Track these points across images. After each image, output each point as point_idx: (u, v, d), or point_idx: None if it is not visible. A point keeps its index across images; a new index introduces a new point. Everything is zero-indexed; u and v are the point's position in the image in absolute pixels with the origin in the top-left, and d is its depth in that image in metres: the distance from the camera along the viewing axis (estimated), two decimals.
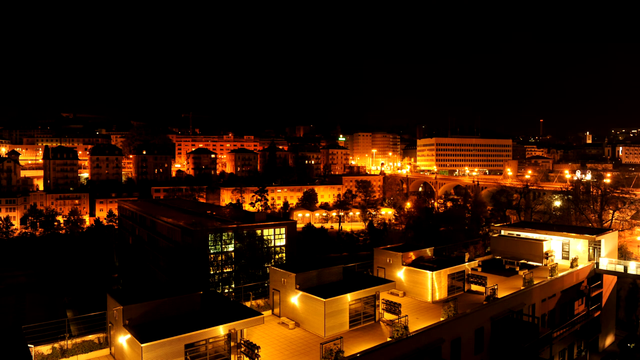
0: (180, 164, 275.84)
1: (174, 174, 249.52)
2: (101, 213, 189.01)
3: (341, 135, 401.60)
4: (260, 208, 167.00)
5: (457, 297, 51.03)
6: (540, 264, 63.62)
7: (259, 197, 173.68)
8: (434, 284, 50.96)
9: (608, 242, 68.47)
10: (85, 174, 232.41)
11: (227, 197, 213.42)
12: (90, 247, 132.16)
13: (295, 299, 42.42)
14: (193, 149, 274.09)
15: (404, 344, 39.45)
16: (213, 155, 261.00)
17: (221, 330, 31.77)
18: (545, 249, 64.92)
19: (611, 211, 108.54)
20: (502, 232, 74.77)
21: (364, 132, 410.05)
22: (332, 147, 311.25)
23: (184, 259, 79.96)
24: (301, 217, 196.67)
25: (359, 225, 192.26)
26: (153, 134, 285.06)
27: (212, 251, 78.34)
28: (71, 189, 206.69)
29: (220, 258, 78.97)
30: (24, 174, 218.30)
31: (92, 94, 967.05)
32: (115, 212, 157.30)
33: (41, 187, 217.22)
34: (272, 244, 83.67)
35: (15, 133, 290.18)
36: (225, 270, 79.45)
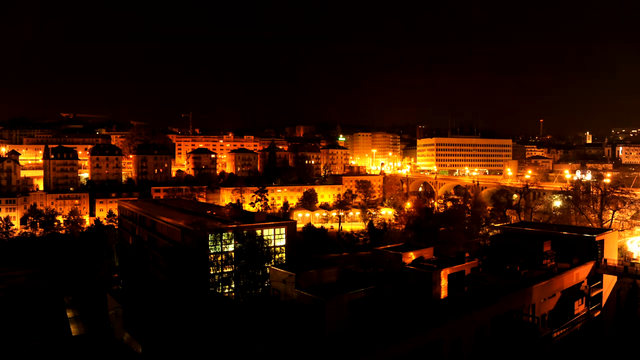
0: (180, 164, 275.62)
1: (174, 174, 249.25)
2: (101, 213, 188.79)
3: (341, 135, 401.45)
4: (260, 208, 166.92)
5: (458, 296, 51.08)
6: (540, 264, 63.63)
7: (259, 197, 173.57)
8: (434, 284, 51.02)
9: (608, 242, 68.52)
10: (85, 174, 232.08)
11: (227, 197, 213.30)
12: (90, 247, 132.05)
13: None
14: (193, 149, 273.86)
15: (405, 344, 39.49)
16: (213, 155, 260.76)
17: None
18: (545, 249, 64.93)
19: (611, 211, 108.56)
20: (502, 232, 74.83)
21: (364, 132, 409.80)
22: (332, 147, 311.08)
23: (184, 259, 79.98)
24: (301, 217, 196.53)
25: (359, 225, 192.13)
26: (153, 134, 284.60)
27: (212, 251, 78.35)
28: (71, 189, 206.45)
29: (220, 258, 78.97)
30: (24, 174, 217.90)
31: (92, 94, 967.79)
32: (115, 212, 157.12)
33: (41, 187, 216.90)
34: (272, 244, 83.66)
35: (15, 133, 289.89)
36: (225, 270, 79.45)
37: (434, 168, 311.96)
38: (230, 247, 79.60)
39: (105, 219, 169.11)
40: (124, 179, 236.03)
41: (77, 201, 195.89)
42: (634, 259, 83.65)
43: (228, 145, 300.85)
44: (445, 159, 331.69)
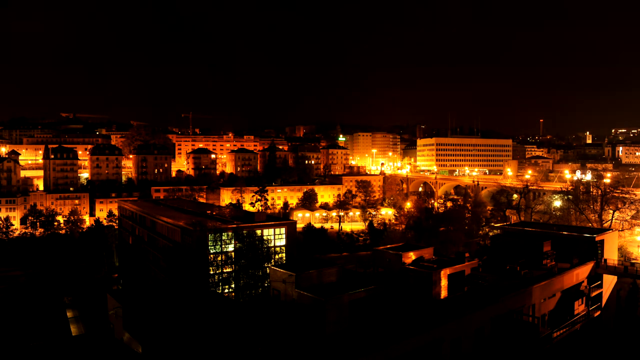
0: (180, 164, 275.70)
1: (174, 174, 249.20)
2: (101, 213, 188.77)
3: (341, 135, 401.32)
4: (260, 208, 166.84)
5: (458, 296, 51.07)
6: (540, 264, 63.62)
7: (259, 197, 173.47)
8: (434, 284, 51.01)
9: (608, 242, 68.50)
10: (85, 174, 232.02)
11: (227, 197, 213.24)
12: (90, 247, 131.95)
13: None
14: (193, 149, 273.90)
15: (405, 344, 39.48)
16: (213, 155, 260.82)
17: None
18: (545, 249, 64.91)
19: (611, 211, 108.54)
20: (502, 232, 74.81)
21: (364, 132, 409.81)
22: (332, 147, 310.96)
23: (184, 259, 79.97)
24: (301, 217, 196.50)
25: (359, 225, 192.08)
26: (153, 134, 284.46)
27: (212, 251, 78.32)
28: (71, 189, 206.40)
29: (220, 258, 78.94)
30: (24, 174, 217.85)
31: (92, 94, 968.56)
32: (115, 212, 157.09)
33: (41, 187, 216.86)
34: (272, 244, 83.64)
35: (15, 133, 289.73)
36: (225, 271, 79.42)
37: (434, 168, 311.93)
38: (230, 247, 79.59)
39: (105, 219, 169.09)
40: (124, 179, 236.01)
41: (77, 201, 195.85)
42: (633, 259, 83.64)
43: (228, 145, 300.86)
44: (445, 159, 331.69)
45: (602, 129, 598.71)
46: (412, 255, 55.69)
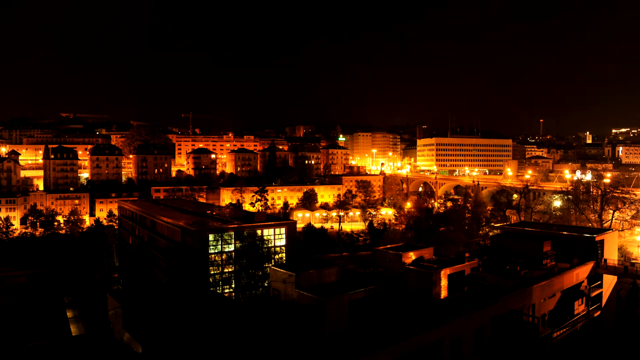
0: (180, 164, 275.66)
1: (174, 174, 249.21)
2: (101, 213, 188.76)
3: (341, 135, 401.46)
4: (260, 208, 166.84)
5: (458, 296, 51.08)
6: (540, 264, 63.60)
7: (259, 197, 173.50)
8: (434, 284, 51.01)
9: (608, 242, 68.51)
10: (85, 174, 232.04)
11: (227, 197, 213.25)
12: (90, 247, 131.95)
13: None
14: (193, 149, 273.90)
15: (405, 344, 39.50)
16: (213, 155, 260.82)
17: None
18: (545, 249, 64.90)
19: (611, 211, 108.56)
20: (502, 232, 74.81)
21: (364, 132, 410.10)
22: (332, 147, 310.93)
23: (184, 259, 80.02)
24: (301, 217, 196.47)
25: (359, 226, 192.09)
26: (153, 134, 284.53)
27: (212, 251, 78.39)
28: (71, 189, 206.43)
29: (220, 258, 79.00)
30: (24, 174, 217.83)
31: (92, 94, 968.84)
32: (115, 212, 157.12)
33: (41, 187, 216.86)
34: (272, 244, 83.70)
35: (15, 133, 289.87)
36: (225, 270, 79.48)
37: (434, 168, 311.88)
38: (231, 247, 79.64)
39: (105, 219, 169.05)
40: (124, 179, 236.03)
41: (77, 201, 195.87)
42: (633, 259, 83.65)
43: (228, 145, 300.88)
44: (445, 159, 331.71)
45: (602, 129, 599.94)
46: (412, 255, 55.68)
